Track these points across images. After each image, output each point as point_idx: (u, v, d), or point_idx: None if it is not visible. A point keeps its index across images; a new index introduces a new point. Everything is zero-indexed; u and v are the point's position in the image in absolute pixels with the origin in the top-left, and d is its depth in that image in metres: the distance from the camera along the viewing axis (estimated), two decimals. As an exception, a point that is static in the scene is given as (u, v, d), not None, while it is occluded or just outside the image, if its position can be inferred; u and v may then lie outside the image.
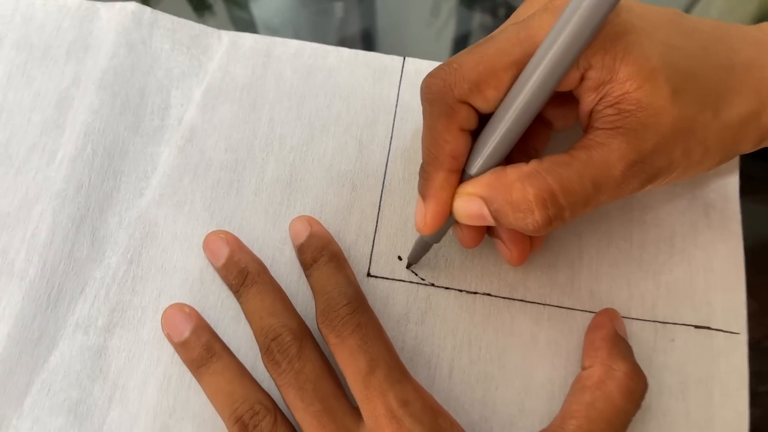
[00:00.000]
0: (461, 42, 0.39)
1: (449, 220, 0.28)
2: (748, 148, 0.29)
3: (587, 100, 0.26)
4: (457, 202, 0.27)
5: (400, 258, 0.32)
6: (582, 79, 0.25)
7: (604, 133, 0.25)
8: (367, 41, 0.38)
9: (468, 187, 0.27)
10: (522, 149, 0.29)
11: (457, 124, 0.26)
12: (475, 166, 0.27)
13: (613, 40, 0.24)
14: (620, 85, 0.25)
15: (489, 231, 0.30)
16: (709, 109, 0.26)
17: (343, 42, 0.38)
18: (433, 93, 0.26)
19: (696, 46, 0.26)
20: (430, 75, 0.27)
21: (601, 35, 0.24)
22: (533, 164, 0.25)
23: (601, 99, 0.25)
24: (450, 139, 0.26)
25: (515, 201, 0.25)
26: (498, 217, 0.26)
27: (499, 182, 0.26)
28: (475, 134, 0.27)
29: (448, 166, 0.27)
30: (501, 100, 0.26)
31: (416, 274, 0.32)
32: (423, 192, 0.28)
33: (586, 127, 0.26)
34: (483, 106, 0.26)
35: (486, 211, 0.26)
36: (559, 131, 0.31)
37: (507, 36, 0.25)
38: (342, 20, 0.39)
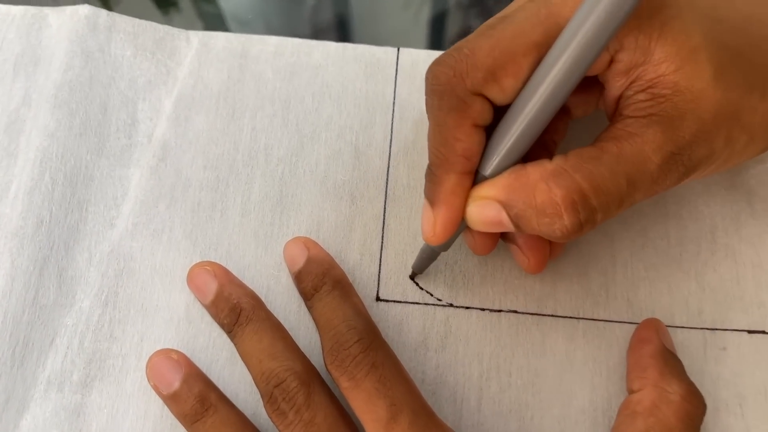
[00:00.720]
0: (439, 22, 0.36)
1: (461, 226, 0.25)
2: None
3: (615, 86, 0.23)
4: (470, 207, 0.24)
5: (412, 277, 0.28)
6: (611, 62, 0.22)
7: (636, 122, 0.22)
8: (343, 28, 0.36)
9: (483, 190, 0.24)
10: (538, 141, 0.26)
11: (470, 119, 0.23)
12: (490, 166, 0.24)
13: (648, 16, 0.21)
14: (654, 68, 0.22)
15: (503, 236, 0.27)
16: (756, 90, 0.23)
17: (318, 30, 0.35)
18: (441, 84, 0.23)
19: (738, 17, 0.23)
20: (437, 63, 0.23)
21: (637, 11, 0.21)
22: (558, 161, 0.22)
23: (631, 83, 0.22)
24: (462, 137, 0.23)
25: (540, 204, 0.22)
26: (519, 222, 0.23)
27: (519, 183, 0.23)
28: (489, 130, 0.24)
29: (460, 168, 0.24)
30: (519, 90, 0.23)
31: (432, 295, 0.28)
32: (431, 197, 0.25)
33: (613, 115, 0.24)
34: (499, 98, 0.23)
35: (505, 217, 0.23)
36: (577, 119, 0.28)
37: (525, 15, 0.22)
38: (314, 8, 0.37)
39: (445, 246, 0.26)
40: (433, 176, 0.24)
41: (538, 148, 0.26)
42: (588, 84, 0.24)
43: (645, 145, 0.22)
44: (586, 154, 0.22)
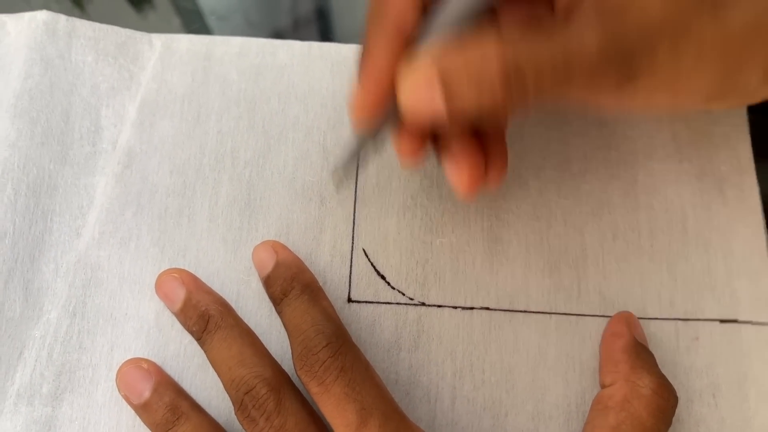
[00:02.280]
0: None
1: (388, 114, 0.23)
2: (756, 79, 0.24)
3: None
4: (402, 81, 0.22)
5: (383, 277, 0.28)
6: None
7: (581, 12, 0.21)
8: (323, 20, 0.35)
9: (418, 60, 0.21)
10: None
11: None
12: (429, 36, 0.22)
13: None
14: None
15: (435, 146, 0.25)
16: (705, 6, 0.21)
17: (297, 24, 0.34)
18: None
19: None
20: None
21: None
22: (499, 32, 0.21)
23: None
24: (397, 2, 0.22)
25: (474, 73, 0.21)
26: (452, 98, 0.21)
27: (457, 53, 0.21)
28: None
29: (390, 30, 0.22)
30: None
31: (403, 294, 0.28)
32: (360, 67, 0.23)
33: (563, 9, 0.22)
34: None
35: (438, 94, 0.21)
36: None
37: None
38: (294, 1, 0.35)
39: (372, 133, 0.24)
40: (364, 42, 0.23)
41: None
42: None
43: (587, 31, 0.21)
44: (528, 34, 0.21)
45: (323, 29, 0.35)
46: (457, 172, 0.25)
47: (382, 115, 0.23)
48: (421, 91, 0.21)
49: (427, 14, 0.22)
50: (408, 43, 0.22)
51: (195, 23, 0.34)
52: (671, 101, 0.23)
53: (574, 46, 0.21)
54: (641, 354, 0.25)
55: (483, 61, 0.21)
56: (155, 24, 0.32)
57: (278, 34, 0.34)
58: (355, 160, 0.25)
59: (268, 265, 0.27)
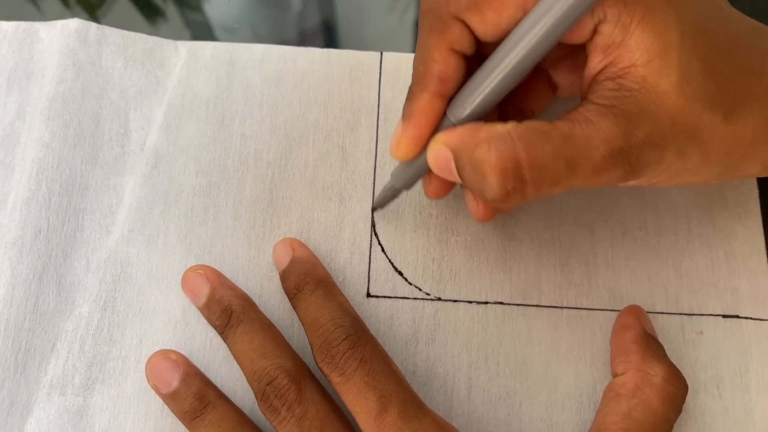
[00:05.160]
0: None
1: (423, 166, 0.25)
2: (755, 171, 0.25)
3: (594, 62, 0.23)
4: (430, 147, 0.25)
5: (400, 273, 0.29)
6: (594, 32, 0.22)
7: (596, 109, 0.22)
8: (329, 33, 0.36)
9: (443, 135, 0.24)
10: (519, 107, 0.27)
11: (447, 42, 0.23)
12: (460, 114, 0.24)
13: None
14: (629, 54, 0.22)
15: None
16: (719, 110, 0.22)
17: (305, 36, 0.35)
18: (428, 4, 0.24)
19: (728, 38, 0.23)
20: None
21: None
22: (509, 126, 0.22)
23: (606, 66, 0.22)
24: (439, 58, 0.24)
25: (475, 162, 0.22)
26: (461, 175, 0.23)
27: (469, 137, 0.23)
28: (471, 66, 0.24)
29: (434, 89, 0.24)
30: (501, 30, 0.23)
31: (420, 289, 0.29)
32: (404, 113, 0.25)
33: (583, 97, 0.24)
34: (480, 29, 0.23)
35: (453, 166, 0.24)
36: (562, 97, 0.28)
37: None
38: (300, 14, 0.37)
39: (407, 184, 0.27)
40: (409, 93, 0.25)
41: (517, 113, 0.27)
42: (575, 62, 0.25)
43: (596, 132, 0.22)
44: (537, 126, 0.22)
45: (329, 42, 0.35)
46: (474, 203, 0.27)
47: (415, 170, 0.26)
48: (441, 161, 0.24)
49: (463, 86, 0.24)
50: (448, 96, 0.24)
51: (204, 37, 0.35)
52: (672, 184, 0.25)
53: (580, 148, 0.22)
54: (651, 344, 0.26)
55: (484, 154, 0.22)
56: (167, 36, 0.33)
57: (285, 47, 0.35)
58: (390, 199, 0.29)
59: (285, 261, 0.28)
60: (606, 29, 0.22)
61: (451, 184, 0.27)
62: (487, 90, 0.23)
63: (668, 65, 0.21)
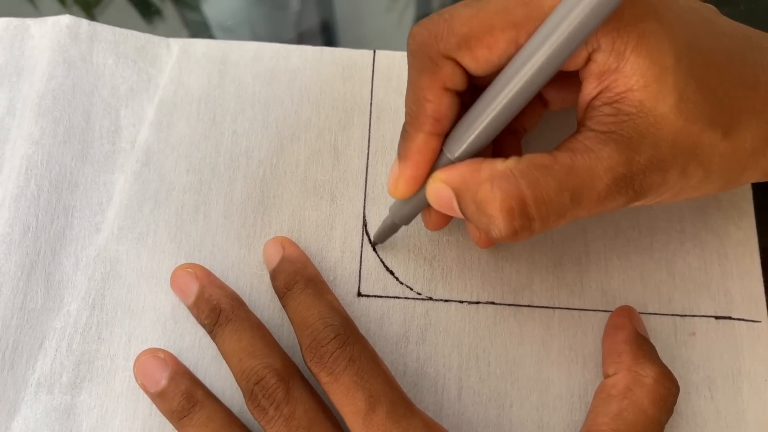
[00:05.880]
0: None
1: (422, 202, 0.25)
2: (755, 178, 0.26)
3: (588, 88, 0.23)
4: (429, 186, 0.24)
5: (392, 272, 0.29)
6: (588, 60, 0.22)
7: (595, 137, 0.22)
8: (327, 33, 0.36)
9: (443, 174, 0.24)
10: (512, 127, 0.27)
11: (440, 81, 0.23)
12: (457, 150, 0.24)
13: (628, 23, 0.21)
14: (625, 80, 0.22)
15: None
16: (718, 128, 0.22)
17: (303, 36, 0.35)
18: (417, 44, 0.23)
19: (721, 54, 0.23)
20: (418, 25, 0.24)
21: (617, 14, 0.21)
22: (510, 163, 0.22)
23: (601, 92, 0.22)
24: (432, 98, 0.24)
25: (480, 203, 0.22)
26: (465, 214, 0.23)
27: (470, 177, 0.23)
28: (464, 99, 0.24)
29: (429, 128, 0.24)
30: (493, 65, 0.23)
31: (411, 289, 0.29)
32: (400, 152, 0.25)
33: (580, 123, 0.23)
34: (472, 66, 0.23)
35: (455, 204, 0.23)
36: (553, 110, 0.28)
37: None
38: (299, 14, 0.36)
39: (406, 219, 0.27)
40: (404, 132, 0.25)
41: (507, 133, 0.26)
42: (568, 80, 0.25)
43: (598, 162, 0.22)
44: (538, 160, 0.22)
45: (327, 42, 0.35)
46: (475, 234, 0.27)
47: (415, 206, 0.26)
48: (442, 200, 0.24)
49: (460, 121, 0.24)
50: (443, 134, 0.24)
51: (201, 35, 0.35)
52: (675, 200, 0.25)
53: (583, 179, 0.22)
54: (643, 345, 0.26)
55: (487, 194, 0.22)
56: (164, 35, 0.33)
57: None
58: (389, 234, 0.28)
59: (275, 260, 0.28)
60: (600, 57, 0.22)
61: (450, 216, 0.27)
62: (484, 125, 0.23)
63: (665, 89, 0.21)
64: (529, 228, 0.22)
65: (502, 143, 0.27)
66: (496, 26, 0.22)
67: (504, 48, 0.22)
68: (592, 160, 0.22)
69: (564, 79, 0.25)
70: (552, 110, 0.28)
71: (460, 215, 0.24)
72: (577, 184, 0.22)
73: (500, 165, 0.22)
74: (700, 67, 0.22)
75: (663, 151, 0.22)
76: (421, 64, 0.23)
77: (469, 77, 0.24)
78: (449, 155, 0.24)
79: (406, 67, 0.24)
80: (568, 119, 0.29)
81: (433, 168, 0.25)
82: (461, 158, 0.24)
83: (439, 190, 0.24)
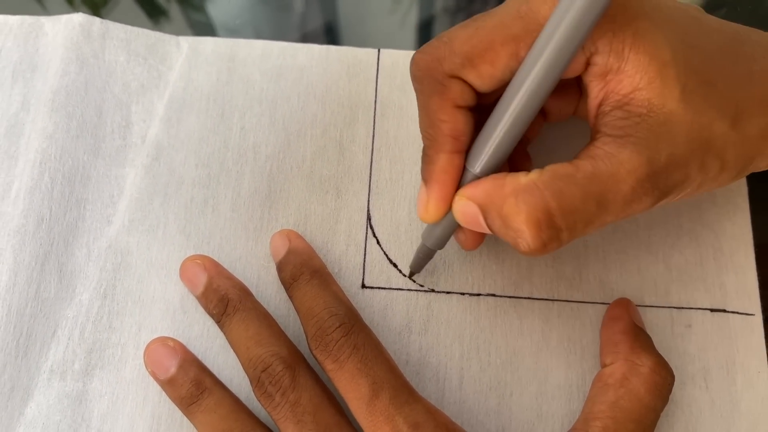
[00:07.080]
0: (426, 27, 0.37)
1: (452, 224, 0.26)
2: (765, 165, 0.26)
3: (594, 91, 0.23)
4: (455, 205, 0.25)
5: (395, 265, 0.30)
6: (588, 64, 0.23)
7: (612, 142, 0.22)
8: (331, 34, 0.36)
9: (467, 191, 0.24)
10: None
11: (450, 101, 0.24)
12: (479, 165, 0.24)
13: (622, 23, 0.22)
14: (629, 79, 0.22)
15: None
16: (726, 119, 0.23)
17: (307, 37, 0.36)
18: (421, 69, 0.24)
19: (714, 49, 0.24)
20: (419, 51, 0.24)
21: (609, 16, 0.22)
22: (533, 175, 0.23)
23: (609, 95, 0.23)
24: (446, 117, 0.24)
25: (506, 218, 0.23)
26: (492, 229, 0.24)
27: (495, 192, 0.23)
28: (477, 114, 0.25)
29: (449, 148, 0.25)
30: (498, 80, 0.24)
31: (414, 281, 0.30)
32: (425, 176, 0.26)
33: (594, 129, 0.24)
34: (478, 83, 0.24)
35: (482, 220, 0.24)
36: (552, 122, 0.29)
37: (506, 10, 0.23)
38: (303, 15, 0.37)
39: (440, 243, 0.27)
40: (425, 156, 0.25)
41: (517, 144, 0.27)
42: (564, 89, 0.25)
43: (620, 166, 0.22)
44: (561, 170, 0.22)
45: (331, 43, 0.35)
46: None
47: (447, 228, 0.26)
48: (468, 217, 0.24)
49: (477, 137, 0.25)
50: (464, 150, 0.25)
51: (208, 36, 0.35)
52: (696, 194, 0.25)
53: (607, 185, 0.22)
54: (639, 335, 0.27)
55: (513, 208, 0.22)
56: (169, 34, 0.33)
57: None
58: (425, 261, 0.29)
59: (281, 252, 0.29)
60: (600, 59, 0.22)
61: (484, 234, 0.27)
62: (501, 137, 0.23)
63: (669, 83, 0.22)
64: (558, 239, 0.22)
65: (513, 154, 0.28)
66: (496, 42, 0.23)
67: (506, 62, 0.23)
68: (614, 165, 0.22)
69: (562, 89, 0.25)
70: (550, 122, 0.29)
71: (488, 231, 0.24)
72: (601, 190, 0.22)
73: (523, 178, 0.23)
74: (696, 60, 0.23)
75: (679, 146, 0.22)
76: (428, 88, 0.24)
77: (477, 95, 0.24)
78: (472, 170, 0.25)
79: (409, 66, 0.25)
80: (565, 130, 0.30)
81: (458, 186, 0.25)
82: (484, 171, 0.24)
83: (465, 206, 0.24)
